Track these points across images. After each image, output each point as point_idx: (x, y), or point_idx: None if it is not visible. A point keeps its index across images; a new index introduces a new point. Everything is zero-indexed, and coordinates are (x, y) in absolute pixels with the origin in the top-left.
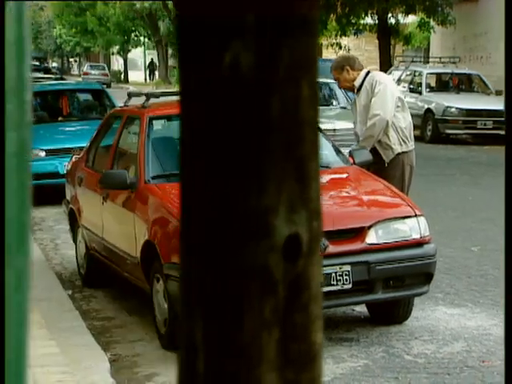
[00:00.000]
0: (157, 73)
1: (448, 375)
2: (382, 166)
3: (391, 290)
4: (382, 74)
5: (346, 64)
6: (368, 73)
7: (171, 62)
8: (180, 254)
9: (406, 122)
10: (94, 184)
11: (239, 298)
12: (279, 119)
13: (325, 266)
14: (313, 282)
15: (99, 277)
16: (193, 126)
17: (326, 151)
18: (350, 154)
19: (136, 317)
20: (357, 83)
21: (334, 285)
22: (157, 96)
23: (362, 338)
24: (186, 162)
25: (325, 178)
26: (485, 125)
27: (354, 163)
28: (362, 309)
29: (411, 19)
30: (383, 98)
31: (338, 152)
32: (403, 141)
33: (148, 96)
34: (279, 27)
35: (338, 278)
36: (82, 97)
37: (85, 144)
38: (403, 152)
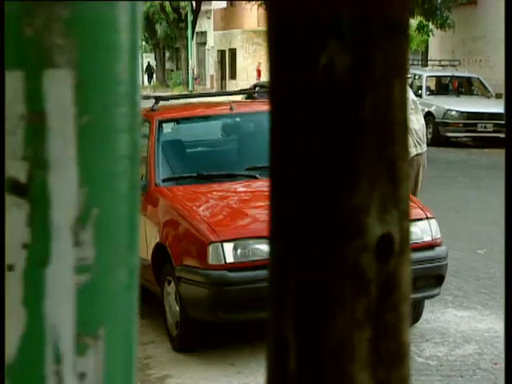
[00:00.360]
0: (154, 76)
1: (461, 377)
2: None
3: None
4: None
5: None
6: None
7: (168, 65)
8: (270, 254)
9: (419, 124)
10: None
11: (332, 297)
12: (372, 120)
13: None
14: (403, 282)
15: None
16: (284, 127)
17: None
18: None
19: (146, 319)
20: None
21: None
22: (166, 99)
23: None
24: (277, 163)
25: None
26: (485, 128)
27: None
28: None
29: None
30: None
31: None
32: (418, 143)
33: (157, 99)
34: (373, 29)
35: None
36: None
37: None
38: (418, 154)
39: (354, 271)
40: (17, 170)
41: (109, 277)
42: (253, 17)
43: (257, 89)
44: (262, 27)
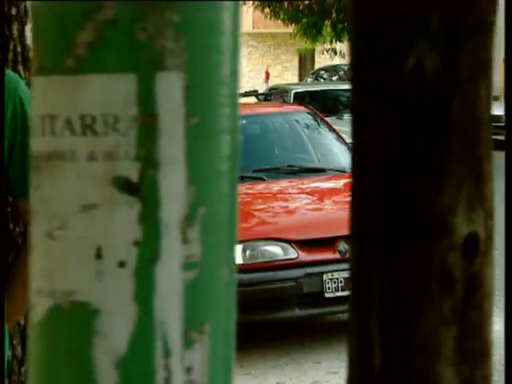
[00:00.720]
0: None
1: None
2: None
3: None
4: None
5: None
6: None
7: None
8: (351, 253)
9: None
10: None
11: (418, 296)
12: (459, 121)
13: (345, 269)
14: (487, 281)
15: None
16: (368, 129)
17: (343, 156)
18: None
19: None
20: None
21: None
22: None
23: None
24: (360, 163)
25: (342, 182)
26: None
27: None
28: None
29: None
30: None
31: None
32: None
33: None
34: (461, 28)
35: None
36: None
37: None
38: None
39: (440, 270)
40: (129, 169)
41: (213, 273)
42: (248, 19)
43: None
44: (257, 29)
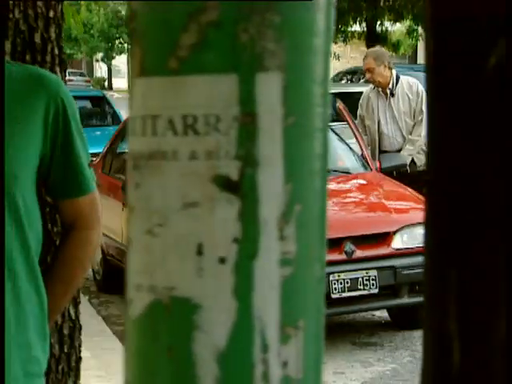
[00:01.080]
0: None
1: None
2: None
3: (417, 294)
4: (415, 80)
5: (385, 59)
6: (398, 77)
7: None
8: (426, 248)
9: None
10: (112, 190)
11: (498, 295)
12: None
13: (352, 270)
14: None
15: (116, 282)
16: (451, 127)
17: (346, 157)
18: (379, 159)
19: None
20: (391, 86)
21: (360, 289)
22: None
23: (386, 342)
24: (441, 160)
25: (347, 184)
26: None
27: (381, 168)
28: (382, 314)
29: (397, 26)
30: None
31: (358, 158)
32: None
33: None
34: None
35: (365, 282)
36: (82, 103)
37: None
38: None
39: None
40: (229, 168)
41: (307, 270)
42: None
43: None
44: None
